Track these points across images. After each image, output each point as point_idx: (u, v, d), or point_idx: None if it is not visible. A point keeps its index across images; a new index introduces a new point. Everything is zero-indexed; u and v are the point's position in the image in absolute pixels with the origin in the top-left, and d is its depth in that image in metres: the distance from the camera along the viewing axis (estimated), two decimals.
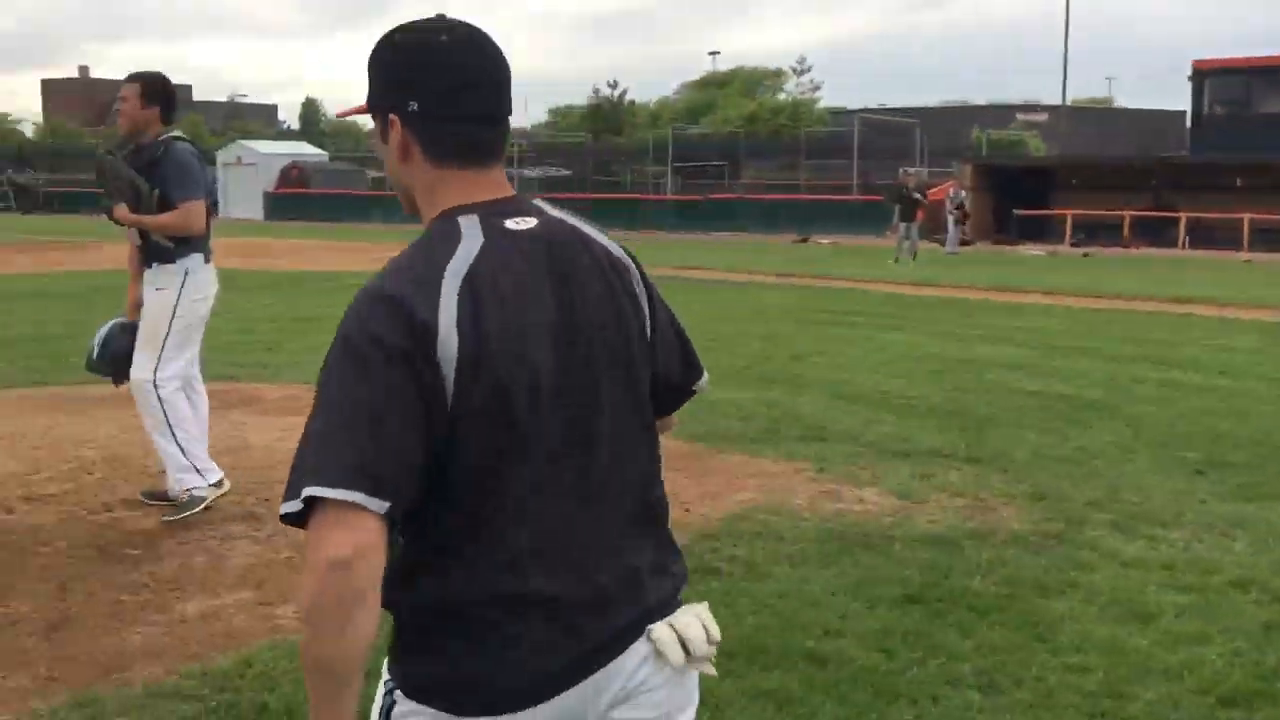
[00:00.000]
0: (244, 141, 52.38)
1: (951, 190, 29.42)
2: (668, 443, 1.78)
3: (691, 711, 1.73)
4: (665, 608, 1.67)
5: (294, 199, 44.87)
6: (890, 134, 42.76)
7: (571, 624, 1.58)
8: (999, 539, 5.00)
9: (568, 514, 1.60)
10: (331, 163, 51.43)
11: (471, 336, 1.50)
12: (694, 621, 1.66)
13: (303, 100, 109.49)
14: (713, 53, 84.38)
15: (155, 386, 4.94)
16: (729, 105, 72.86)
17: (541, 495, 1.58)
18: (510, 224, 1.62)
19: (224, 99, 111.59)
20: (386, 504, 1.43)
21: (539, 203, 1.72)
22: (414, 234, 1.65)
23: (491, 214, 1.62)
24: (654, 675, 1.64)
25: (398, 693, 1.59)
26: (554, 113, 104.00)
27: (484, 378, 1.50)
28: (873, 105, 57.84)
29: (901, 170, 27.64)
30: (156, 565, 4.55)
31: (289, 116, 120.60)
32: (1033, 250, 29.00)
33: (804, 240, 32.41)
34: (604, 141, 59.21)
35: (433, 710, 1.56)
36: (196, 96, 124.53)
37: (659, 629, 1.64)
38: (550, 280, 1.61)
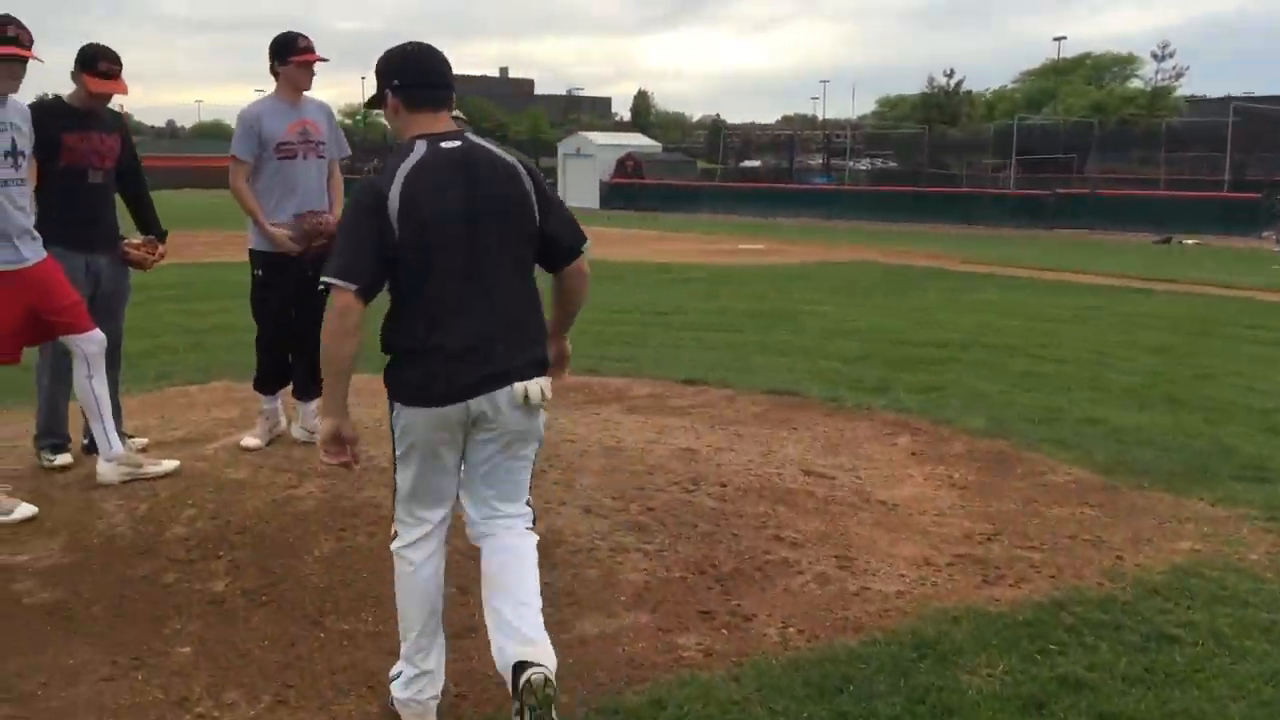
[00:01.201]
0: (583, 133, 54.35)
1: None
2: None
3: (535, 443, 3.35)
4: (523, 374, 3.18)
5: (628, 189, 46.08)
6: (1269, 123, 38.42)
7: (457, 366, 3.12)
8: None
9: (461, 306, 3.14)
10: (665, 153, 52.45)
11: (404, 201, 3.07)
12: (538, 385, 3.20)
13: (634, 93, 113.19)
14: (1057, 38, 79.14)
15: None
16: (1073, 94, 68.42)
17: (444, 293, 3.14)
18: (444, 144, 3.18)
19: (562, 93, 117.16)
20: (355, 286, 3.04)
21: (470, 135, 3.26)
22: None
23: (434, 139, 3.17)
24: (511, 411, 3.18)
25: (389, 396, 3.19)
26: (883, 103, 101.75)
27: (410, 225, 3.07)
28: (1237, 94, 52.23)
29: None
30: (550, 575, 4.35)
31: (621, 109, 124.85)
32: None
33: (1165, 240, 29.63)
34: (938, 132, 56.92)
35: (399, 403, 3.18)
36: (538, 91, 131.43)
37: (517, 385, 3.16)
38: (463, 174, 3.15)
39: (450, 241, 3.11)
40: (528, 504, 3.41)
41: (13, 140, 4.56)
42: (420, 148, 3.14)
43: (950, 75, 73.09)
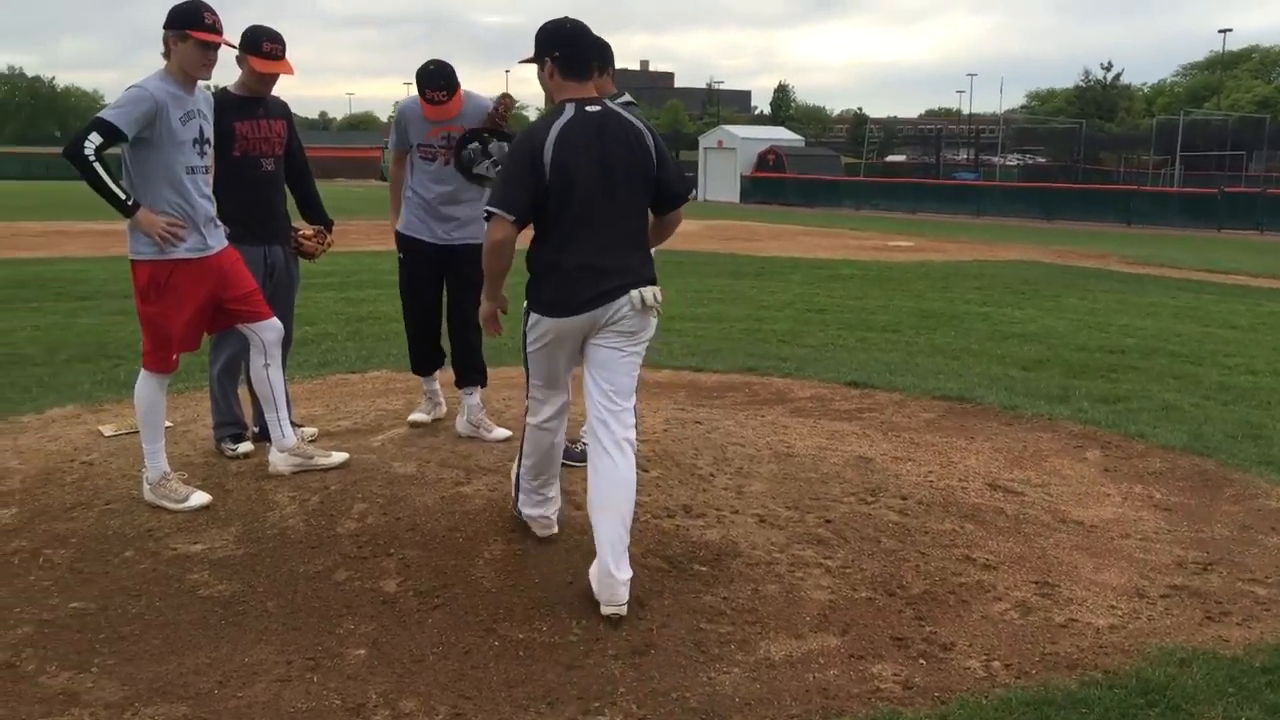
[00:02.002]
0: (725, 127, 54.00)
1: None
2: None
3: (649, 333, 4.09)
4: (639, 285, 3.93)
5: (769, 183, 45.53)
6: None
7: (586, 282, 3.88)
8: None
9: (592, 235, 3.89)
10: (807, 147, 51.72)
11: (556, 152, 3.80)
12: (651, 291, 3.96)
13: (774, 86, 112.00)
14: (1223, 30, 75.22)
15: None
16: (1238, 89, 65.11)
17: (580, 225, 3.88)
18: (588, 109, 3.90)
19: (701, 86, 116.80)
20: (512, 217, 3.81)
21: (608, 102, 4.01)
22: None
23: (580, 104, 3.90)
24: (630, 315, 3.94)
25: (528, 307, 3.98)
26: (1033, 97, 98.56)
27: (559, 171, 3.81)
28: None
29: None
30: (729, 589, 4.13)
31: (760, 102, 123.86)
32: None
33: None
34: (1094, 127, 54.72)
35: (537, 313, 3.96)
36: (677, 84, 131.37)
37: (633, 291, 3.91)
38: (600, 133, 3.88)
39: (588, 186, 3.87)
40: (634, 406, 4.19)
41: (200, 128, 4.53)
42: (569, 109, 3.90)
43: (1108, 68, 70.31)
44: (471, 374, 5.67)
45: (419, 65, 5.35)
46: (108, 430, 6.05)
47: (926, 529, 4.76)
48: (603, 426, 3.99)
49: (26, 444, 5.86)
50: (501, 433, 5.64)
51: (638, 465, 5.25)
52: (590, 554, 4.26)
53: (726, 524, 4.65)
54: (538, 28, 3.99)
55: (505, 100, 5.47)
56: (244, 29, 5.03)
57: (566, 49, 3.95)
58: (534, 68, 4.05)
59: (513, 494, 4.44)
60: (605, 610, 3.84)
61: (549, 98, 4.05)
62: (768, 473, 5.37)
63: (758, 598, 4.08)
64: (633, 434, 4.09)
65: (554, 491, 4.33)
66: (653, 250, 4.21)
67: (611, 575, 3.83)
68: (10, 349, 9.06)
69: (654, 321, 4.07)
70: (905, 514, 4.90)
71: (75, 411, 6.82)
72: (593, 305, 3.89)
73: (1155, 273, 17.62)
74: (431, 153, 5.50)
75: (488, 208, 3.86)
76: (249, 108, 5.05)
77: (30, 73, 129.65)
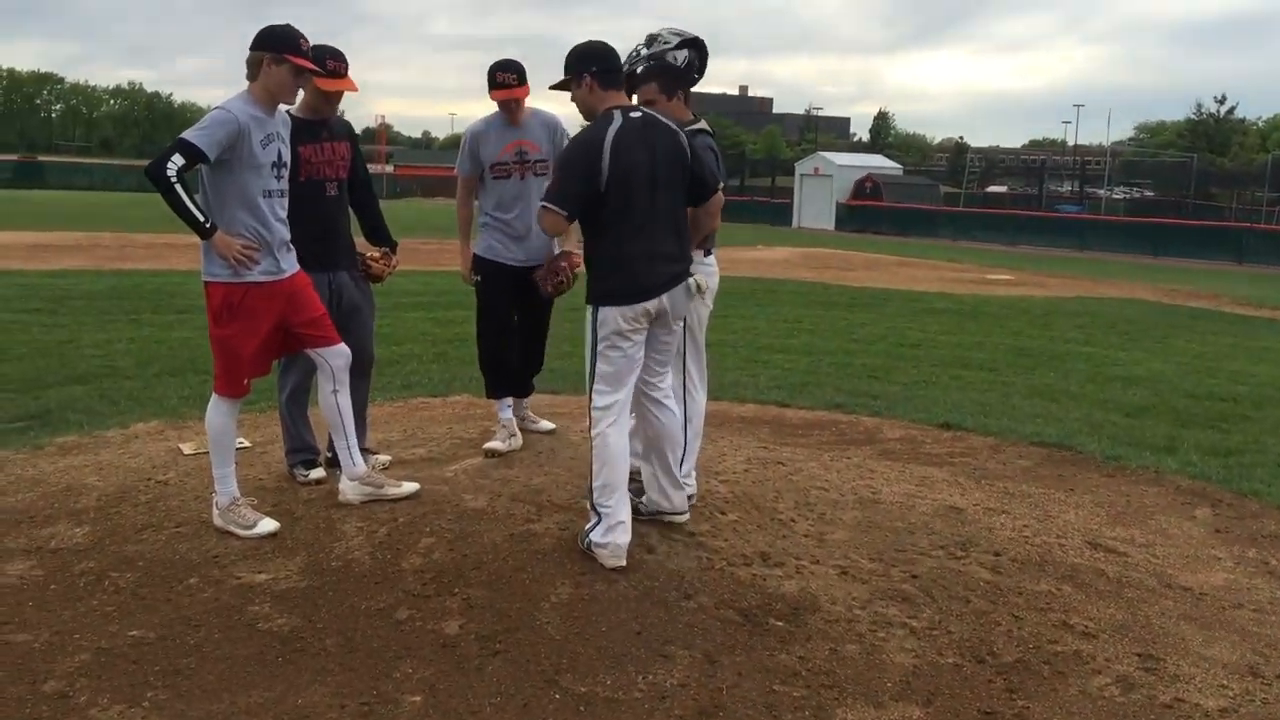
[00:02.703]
0: (822, 153, 53.60)
1: None
2: None
3: (694, 315, 4.71)
4: (689, 272, 4.44)
5: (865, 211, 44.96)
6: None
7: (652, 267, 4.29)
8: None
9: (649, 225, 4.29)
10: (906, 176, 51.02)
11: (613, 154, 4.20)
12: (699, 277, 4.57)
13: (874, 113, 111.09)
14: None
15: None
16: None
17: (635, 219, 4.27)
18: (631, 115, 4.30)
19: (800, 112, 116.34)
20: (565, 213, 4.27)
21: (643, 109, 4.42)
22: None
23: (624, 111, 4.31)
24: (683, 300, 4.42)
25: (594, 305, 4.32)
26: (1142, 129, 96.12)
27: (616, 171, 4.20)
28: None
29: None
30: (805, 647, 3.90)
31: (859, 129, 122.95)
32: None
33: None
34: (1205, 161, 52.98)
35: (602, 306, 4.29)
36: (776, 109, 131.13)
37: (690, 279, 4.43)
38: (645, 137, 4.27)
39: (640, 183, 4.24)
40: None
41: (279, 151, 4.48)
42: (617, 116, 4.28)
43: (1221, 101, 68.15)
44: (528, 383, 6.03)
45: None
46: (187, 449, 6.05)
47: (1020, 589, 4.47)
48: (647, 388, 4.49)
49: (107, 460, 5.89)
50: (547, 425, 6.06)
51: (716, 508, 5.10)
52: (660, 603, 4.10)
53: (806, 575, 4.43)
54: (568, 53, 4.43)
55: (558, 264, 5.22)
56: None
57: (602, 63, 4.38)
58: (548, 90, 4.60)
59: (587, 527, 4.40)
60: (677, 518, 4.68)
61: (587, 111, 4.44)
62: (851, 520, 5.13)
63: (836, 659, 3.84)
64: (669, 388, 4.60)
65: (625, 514, 4.34)
66: (707, 238, 4.77)
67: (668, 492, 4.61)
68: (105, 360, 9.21)
69: (696, 304, 4.66)
70: (998, 572, 4.62)
71: (159, 427, 6.86)
72: (657, 291, 4.29)
73: (1269, 315, 16.85)
74: (506, 170, 5.54)
75: (543, 202, 4.30)
76: (312, 130, 4.97)
77: (149, 88, 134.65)
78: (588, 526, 4.39)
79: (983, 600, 4.34)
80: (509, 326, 5.78)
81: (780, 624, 4.04)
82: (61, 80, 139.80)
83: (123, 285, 14.60)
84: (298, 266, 4.63)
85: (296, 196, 4.70)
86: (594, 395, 4.35)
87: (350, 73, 4.95)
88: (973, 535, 5.01)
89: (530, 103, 5.58)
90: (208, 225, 4.32)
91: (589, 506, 4.43)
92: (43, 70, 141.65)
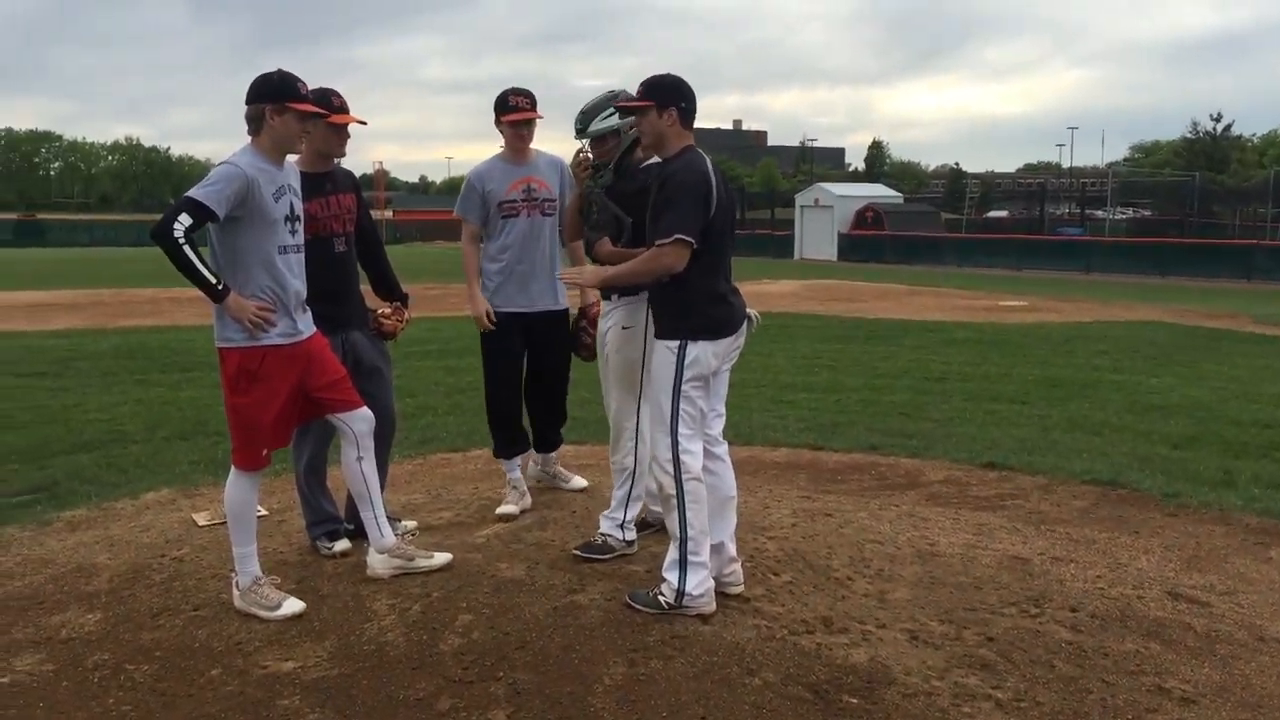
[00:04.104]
0: (821, 184, 53.55)
1: None
2: None
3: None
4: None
5: (868, 241, 44.78)
6: None
7: (735, 306, 4.30)
8: None
9: (727, 260, 4.32)
10: (906, 204, 50.90)
11: (716, 188, 4.18)
12: (756, 311, 4.46)
13: (868, 143, 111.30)
14: None
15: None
16: None
17: (724, 254, 4.29)
18: (702, 153, 4.28)
19: (795, 144, 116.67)
20: (695, 244, 4.09)
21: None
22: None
23: (699, 149, 4.28)
24: (747, 334, 4.39)
25: (681, 342, 4.18)
26: (1137, 149, 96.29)
27: (719, 205, 4.17)
28: None
29: None
30: None
31: (854, 159, 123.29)
32: None
33: None
34: (1206, 179, 52.86)
35: (694, 340, 4.16)
36: (771, 142, 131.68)
37: (751, 313, 4.42)
38: (724, 177, 4.30)
39: (727, 219, 4.27)
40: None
41: (291, 205, 4.21)
42: (701, 153, 4.27)
43: (1217, 119, 68.13)
44: (555, 436, 5.71)
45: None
46: (201, 519, 5.75)
47: (1105, 649, 4.14)
48: (711, 439, 4.37)
49: (118, 535, 5.58)
50: (580, 482, 5.74)
51: (768, 568, 4.78)
52: (722, 681, 3.78)
53: (873, 642, 4.10)
54: (651, 79, 4.29)
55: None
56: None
57: (690, 102, 4.29)
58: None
59: (676, 582, 4.19)
60: (734, 590, 4.39)
61: (656, 142, 4.30)
62: (912, 576, 4.81)
63: None
64: (720, 434, 4.48)
65: (710, 559, 4.28)
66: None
67: (735, 559, 4.43)
68: (112, 425, 8.91)
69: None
70: (1078, 630, 4.29)
71: (170, 496, 6.55)
72: (740, 324, 4.34)
73: None
74: (515, 208, 5.29)
75: (675, 234, 4.07)
76: (317, 185, 4.68)
77: (147, 143, 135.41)
78: (670, 583, 4.19)
79: (1068, 664, 4.01)
80: (518, 379, 5.51)
81: (855, 701, 3.71)
82: (59, 137, 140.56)
83: (127, 344, 14.32)
84: (315, 327, 4.34)
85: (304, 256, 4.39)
86: (679, 440, 4.18)
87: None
88: (1044, 589, 4.69)
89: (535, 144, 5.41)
90: (220, 287, 4.03)
91: (676, 559, 4.20)
92: (41, 128, 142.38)
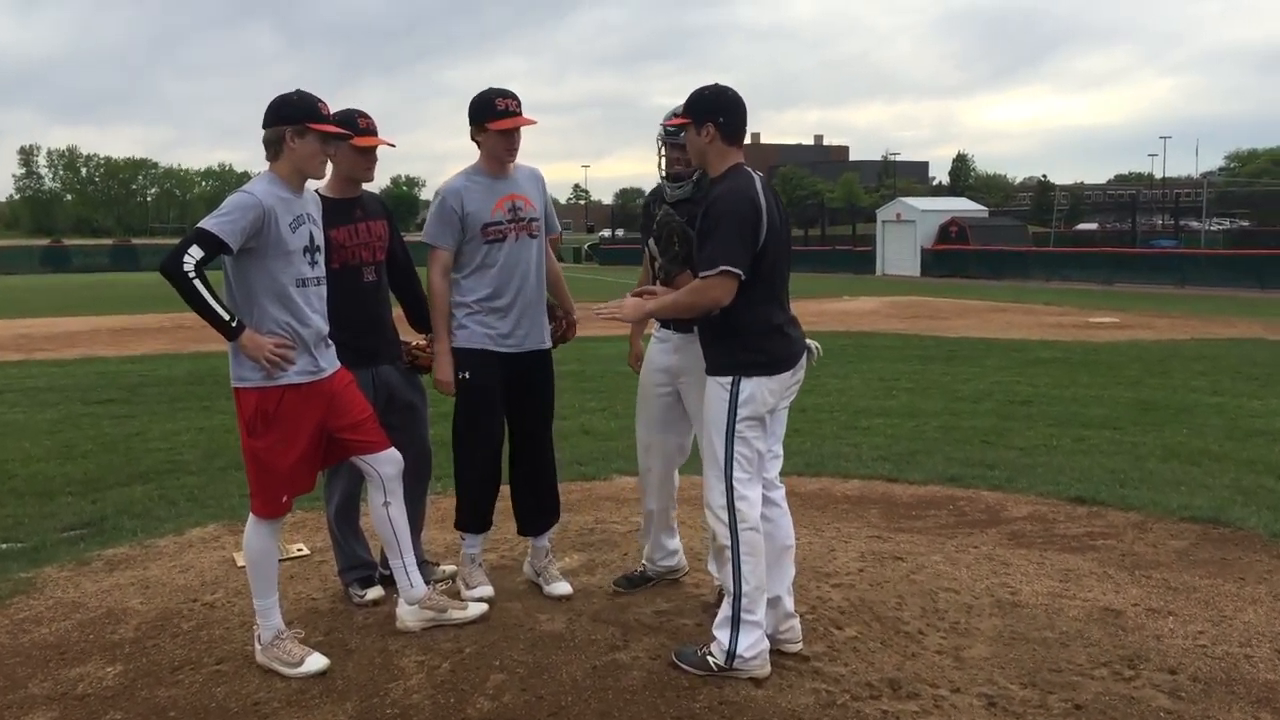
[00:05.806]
0: (903, 199, 52.64)
1: None
2: None
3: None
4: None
5: (952, 255, 43.79)
6: None
7: (792, 339, 3.94)
8: None
9: (784, 288, 3.95)
10: (991, 218, 49.76)
11: (767, 211, 3.81)
12: (815, 343, 4.10)
13: (953, 155, 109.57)
14: None
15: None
16: None
17: (780, 282, 3.93)
18: (755, 172, 3.93)
19: (877, 158, 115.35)
20: (742, 276, 3.72)
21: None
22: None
23: (750, 168, 3.93)
24: (806, 367, 4.04)
25: (736, 378, 3.82)
26: (1232, 158, 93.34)
27: (771, 230, 3.80)
28: None
29: None
30: None
31: (938, 172, 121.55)
32: None
33: None
34: None
35: (748, 377, 3.81)
36: (853, 157, 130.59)
37: (811, 344, 4.06)
38: (776, 198, 3.93)
39: (782, 246, 3.93)
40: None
41: (310, 234, 3.95)
42: (750, 171, 3.92)
43: None
44: (549, 515, 4.83)
45: (477, 97, 4.49)
46: (240, 559, 5.52)
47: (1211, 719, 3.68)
48: (767, 483, 4.04)
49: (155, 576, 5.39)
50: (564, 589, 4.66)
51: (831, 620, 4.39)
52: None
53: (946, 710, 3.69)
54: (693, 93, 3.98)
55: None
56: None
57: (730, 116, 3.92)
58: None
59: (727, 642, 3.84)
60: (792, 649, 4.04)
61: (700, 159, 4.01)
62: (990, 630, 4.38)
63: None
64: (777, 477, 4.16)
65: (764, 615, 3.92)
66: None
67: (793, 614, 4.08)
68: (170, 454, 8.81)
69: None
70: (1178, 696, 3.83)
71: (216, 532, 6.35)
72: (799, 357, 3.99)
73: None
74: (501, 231, 4.48)
75: (723, 266, 3.71)
76: (344, 211, 4.42)
77: (239, 169, 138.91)
78: (721, 642, 3.84)
79: None
80: (499, 435, 4.68)
81: None
82: (156, 165, 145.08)
83: (199, 369, 14.37)
84: (338, 364, 4.08)
85: (331, 286, 4.12)
86: (734, 485, 3.83)
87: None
88: (1139, 647, 4.23)
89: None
90: (234, 324, 3.78)
91: (729, 616, 3.84)
92: (138, 155, 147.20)
